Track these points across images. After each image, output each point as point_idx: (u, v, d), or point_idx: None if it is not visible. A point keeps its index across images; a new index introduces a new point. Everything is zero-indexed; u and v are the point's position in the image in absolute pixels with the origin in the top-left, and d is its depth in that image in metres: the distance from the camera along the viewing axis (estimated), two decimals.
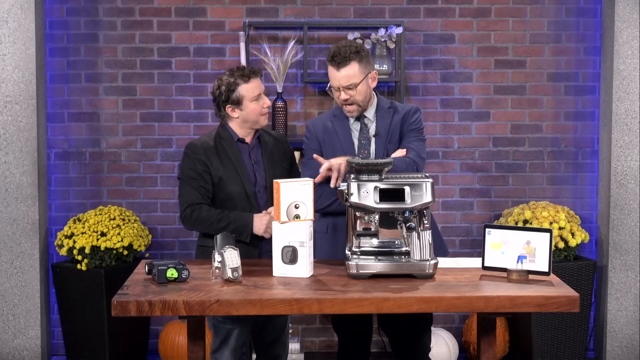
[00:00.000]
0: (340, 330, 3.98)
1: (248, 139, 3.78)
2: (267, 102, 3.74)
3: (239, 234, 3.61)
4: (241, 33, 5.12)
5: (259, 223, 3.62)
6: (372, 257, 3.31)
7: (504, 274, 3.28)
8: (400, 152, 3.73)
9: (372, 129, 3.81)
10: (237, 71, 3.72)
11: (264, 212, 3.67)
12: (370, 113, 3.83)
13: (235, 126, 3.76)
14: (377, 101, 3.85)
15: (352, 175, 3.32)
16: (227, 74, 3.72)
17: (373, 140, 3.79)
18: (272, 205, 3.67)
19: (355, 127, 3.83)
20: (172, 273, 3.19)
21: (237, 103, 3.70)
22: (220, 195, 3.71)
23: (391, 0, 5.25)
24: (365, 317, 3.89)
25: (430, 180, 3.28)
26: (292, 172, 3.84)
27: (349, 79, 3.70)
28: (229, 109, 3.72)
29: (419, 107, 3.91)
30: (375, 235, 3.37)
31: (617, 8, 4.99)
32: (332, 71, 3.73)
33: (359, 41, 3.79)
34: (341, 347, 4.01)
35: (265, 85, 5.18)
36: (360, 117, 3.82)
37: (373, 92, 3.84)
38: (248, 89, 3.69)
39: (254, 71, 3.74)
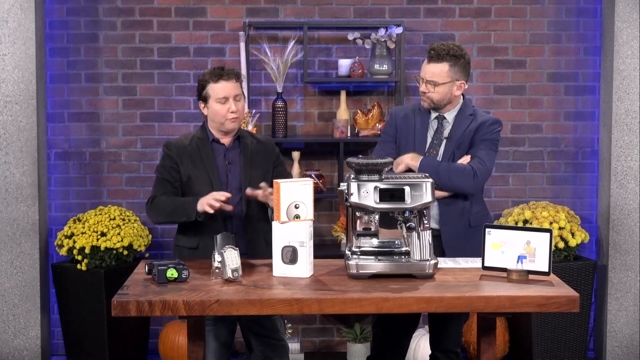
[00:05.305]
0: (382, 329, 4.00)
1: (224, 140, 3.79)
2: (233, 107, 3.70)
3: (187, 213, 3.62)
4: (241, 33, 5.12)
5: (203, 200, 3.58)
6: (372, 257, 3.31)
7: (504, 274, 3.28)
8: (464, 159, 3.81)
9: (447, 131, 3.88)
10: (213, 70, 3.76)
11: None
12: (450, 116, 3.90)
13: (210, 126, 3.79)
14: (461, 106, 3.91)
15: (352, 175, 3.33)
16: (207, 71, 3.79)
17: (444, 142, 3.85)
18: (246, 207, 3.73)
19: (433, 125, 3.91)
20: (172, 273, 3.19)
21: (205, 101, 3.75)
22: (189, 194, 3.73)
23: (391, 0, 5.25)
24: (411, 319, 3.98)
25: (430, 180, 3.28)
26: (276, 174, 3.79)
27: (433, 76, 3.81)
28: (201, 105, 3.79)
29: (500, 120, 3.95)
30: (375, 235, 3.38)
31: (617, 8, 4.98)
32: (424, 62, 3.88)
33: (465, 50, 3.87)
34: (376, 346, 4.03)
35: (265, 85, 5.23)
36: (439, 117, 3.89)
37: (461, 96, 3.91)
38: (214, 89, 3.71)
39: (228, 73, 3.73)
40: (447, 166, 3.77)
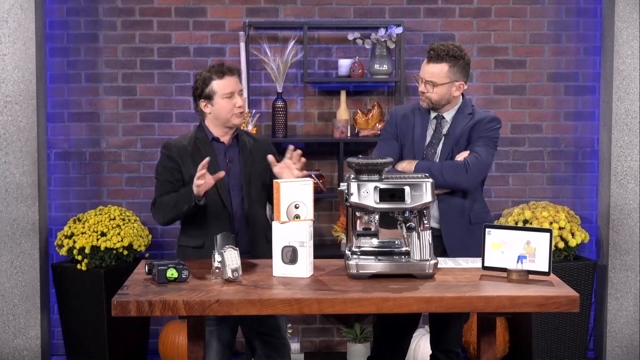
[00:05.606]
0: (382, 329, 4.01)
1: (224, 139, 3.80)
2: (239, 102, 3.74)
3: (188, 200, 3.60)
4: (241, 33, 5.12)
5: (195, 180, 3.57)
6: (372, 257, 3.30)
7: (504, 274, 3.28)
8: (462, 155, 3.82)
9: (445, 129, 3.89)
10: (215, 67, 3.78)
11: None
12: (449, 115, 3.91)
13: (210, 125, 3.79)
14: (460, 105, 3.92)
15: (352, 175, 3.33)
16: (206, 70, 3.79)
17: (443, 139, 3.87)
18: (247, 203, 3.74)
19: (432, 124, 3.92)
20: (172, 273, 3.19)
21: (209, 98, 3.75)
22: None
23: (391, 0, 5.25)
24: (412, 319, 3.99)
25: (430, 180, 3.28)
26: (273, 174, 3.79)
27: (432, 76, 3.82)
28: (202, 103, 3.77)
29: (499, 118, 3.95)
30: (375, 235, 3.37)
31: (617, 8, 4.98)
32: (423, 62, 3.88)
33: (460, 49, 3.85)
34: (376, 346, 4.04)
35: (265, 85, 5.23)
36: (438, 117, 3.90)
37: (460, 96, 3.92)
38: (220, 85, 3.72)
39: (230, 69, 3.77)
40: (439, 165, 3.79)
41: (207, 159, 3.54)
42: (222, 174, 3.60)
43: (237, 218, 3.75)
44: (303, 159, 3.67)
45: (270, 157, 3.66)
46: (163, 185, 3.76)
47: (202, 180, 3.52)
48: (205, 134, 3.80)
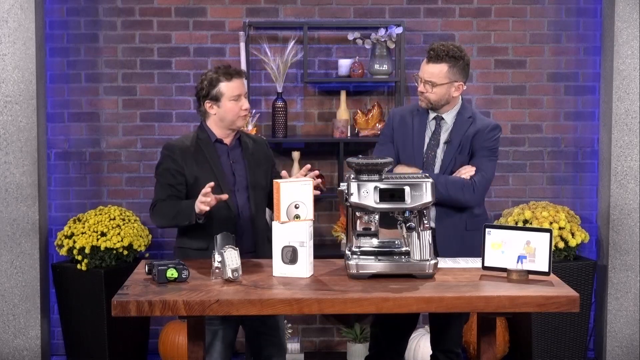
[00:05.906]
0: (381, 329, 4.00)
1: (227, 140, 3.79)
2: (245, 104, 3.74)
3: (188, 217, 3.59)
4: (241, 33, 5.12)
5: (197, 201, 3.55)
6: (372, 257, 3.31)
7: (504, 274, 3.28)
8: (467, 171, 3.79)
9: (446, 135, 3.86)
10: (222, 69, 3.76)
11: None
12: (448, 117, 3.88)
13: (213, 126, 3.78)
14: (460, 107, 3.89)
15: (352, 175, 3.33)
16: (212, 70, 3.77)
17: (444, 146, 3.84)
18: (254, 203, 3.74)
19: (431, 125, 3.90)
20: (172, 273, 3.19)
21: (216, 100, 3.73)
22: (196, 196, 3.70)
23: (391, 0, 5.25)
24: (410, 319, 3.99)
25: (430, 180, 3.28)
26: (273, 175, 3.82)
27: (431, 76, 3.80)
28: (207, 104, 3.75)
29: (499, 125, 3.93)
30: (375, 235, 3.37)
31: (617, 8, 4.98)
32: (423, 62, 3.87)
33: (460, 49, 3.82)
34: (374, 345, 4.03)
35: (265, 85, 5.24)
36: (437, 118, 3.88)
37: (460, 98, 3.90)
38: (228, 87, 3.71)
39: (238, 72, 3.76)
40: (444, 180, 3.74)
41: (211, 184, 3.50)
42: (225, 196, 3.58)
43: (242, 219, 3.74)
44: (318, 179, 3.63)
45: (284, 173, 3.64)
46: (163, 188, 3.73)
47: (207, 206, 3.51)
48: (207, 135, 3.78)
